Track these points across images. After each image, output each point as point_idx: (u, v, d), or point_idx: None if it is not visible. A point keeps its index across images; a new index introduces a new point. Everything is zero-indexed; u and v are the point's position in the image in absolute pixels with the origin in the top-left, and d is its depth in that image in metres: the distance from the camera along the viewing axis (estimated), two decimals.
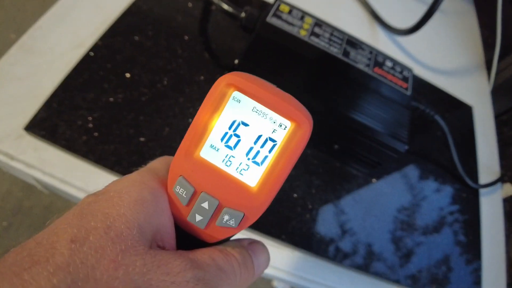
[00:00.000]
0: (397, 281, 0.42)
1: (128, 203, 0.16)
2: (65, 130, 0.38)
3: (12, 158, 0.38)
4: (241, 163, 0.18)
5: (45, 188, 0.44)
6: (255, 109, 0.18)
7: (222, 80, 0.17)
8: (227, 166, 0.18)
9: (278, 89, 0.18)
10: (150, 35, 0.46)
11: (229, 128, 0.18)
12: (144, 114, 0.41)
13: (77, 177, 0.38)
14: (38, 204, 1.02)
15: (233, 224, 0.18)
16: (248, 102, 0.18)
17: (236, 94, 0.18)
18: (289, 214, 0.41)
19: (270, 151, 0.18)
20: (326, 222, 0.42)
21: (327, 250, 0.40)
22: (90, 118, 0.40)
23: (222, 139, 0.18)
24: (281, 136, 0.18)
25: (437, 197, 0.50)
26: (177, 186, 0.18)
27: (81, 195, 0.38)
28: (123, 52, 0.44)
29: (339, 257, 0.41)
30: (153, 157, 0.39)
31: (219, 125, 0.18)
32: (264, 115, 0.18)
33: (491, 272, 0.49)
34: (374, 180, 0.47)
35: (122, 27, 0.46)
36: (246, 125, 0.18)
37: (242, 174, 0.18)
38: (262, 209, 0.18)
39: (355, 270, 0.41)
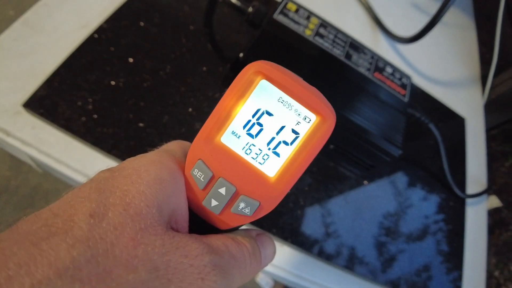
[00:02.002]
0: (383, 283, 0.43)
1: (147, 181, 0.16)
2: (65, 110, 0.38)
3: (8, 134, 0.38)
4: (261, 152, 0.18)
5: (40, 167, 0.43)
6: (281, 100, 0.17)
7: (251, 67, 0.17)
8: (247, 154, 0.18)
9: (305, 82, 0.18)
10: (156, 22, 0.46)
11: (253, 116, 0.18)
12: (145, 100, 0.41)
13: (74, 158, 0.38)
14: (26, 184, 1.01)
15: (248, 212, 0.18)
16: (274, 92, 0.17)
17: (264, 82, 0.17)
18: (281, 209, 0.41)
19: (291, 143, 0.18)
20: (316, 219, 0.42)
21: (315, 247, 0.41)
22: (90, 100, 0.40)
23: (244, 127, 0.18)
24: (304, 129, 0.18)
25: (425, 204, 0.51)
26: (195, 170, 0.18)
27: (76, 176, 0.38)
28: (128, 37, 0.44)
29: (325, 255, 0.41)
30: (151, 143, 0.40)
31: (243, 112, 0.18)
32: (290, 106, 0.17)
33: (471, 282, 0.50)
34: (365, 182, 0.48)
35: (128, 12, 0.46)
36: (270, 114, 0.18)
37: (261, 164, 0.18)
38: (278, 200, 0.18)
39: (341, 268, 0.42)
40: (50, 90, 0.39)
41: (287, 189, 0.18)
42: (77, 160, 0.38)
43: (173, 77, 0.43)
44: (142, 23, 0.46)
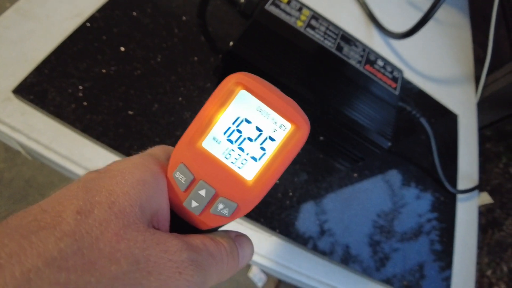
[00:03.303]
0: (370, 274, 0.43)
1: (131, 183, 0.17)
2: (55, 97, 0.38)
3: None
4: (240, 157, 0.19)
5: (29, 154, 0.43)
6: (259, 109, 0.19)
7: (232, 78, 0.18)
8: (227, 158, 0.19)
9: (282, 93, 0.19)
10: (148, 12, 0.46)
11: (233, 124, 0.19)
12: (135, 89, 0.41)
13: (63, 144, 0.38)
14: (19, 177, 1.00)
15: (226, 213, 0.19)
16: (253, 101, 0.19)
17: (243, 92, 0.19)
18: (269, 199, 0.41)
19: (268, 149, 0.19)
20: (305, 210, 0.43)
21: (303, 238, 0.41)
22: (80, 87, 0.40)
23: (224, 133, 0.19)
24: (280, 136, 0.19)
25: (415, 199, 0.51)
26: (177, 172, 0.19)
27: (65, 163, 0.38)
28: (120, 26, 0.44)
29: (313, 246, 0.41)
30: (140, 131, 0.40)
31: (223, 119, 0.19)
32: (267, 115, 0.19)
33: (461, 278, 0.50)
34: (355, 175, 0.48)
35: (121, 2, 0.46)
36: (249, 122, 0.19)
37: (240, 168, 0.19)
38: (255, 202, 0.20)
39: (329, 260, 0.42)
40: (40, 77, 0.39)
41: (263, 192, 0.19)
42: (66, 146, 0.38)
43: (164, 67, 0.43)
44: (134, 13, 0.46)
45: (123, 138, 0.39)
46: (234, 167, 0.19)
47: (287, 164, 0.19)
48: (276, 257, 0.41)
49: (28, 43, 0.42)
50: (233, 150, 0.19)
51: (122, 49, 0.43)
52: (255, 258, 0.40)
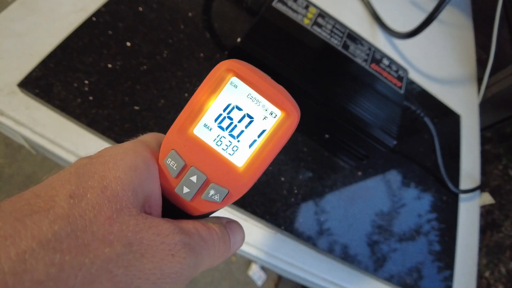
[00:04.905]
0: (373, 271, 0.43)
1: (123, 168, 0.17)
2: (60, 91, 0.38)
3: (1, 113, 0.37)
4: (231, 144, 0.19)
5: (33, 148, 0.43)
6: (250, 96, 0.19)
7: (223, 65, 0.19)
8: (218, 145, 0.19)
9: (272, 81, 0.19)
10: (154, 7, 0.46)
11: (224, 110, 0.19)
12: (141, 84, 0.41)
13: (68, 139, 0.38)
14: (19, 173, 1.00)
15: (217, 199, 0.20)
16: (244, 89, 0.19)
17: (234, 79, 0.19)
18: (275, 196, 0.41)
19: (259, 136, 0.19)
20: (309, 207, 0.43)
21: (308, 235, 0.41)
22: (86, 82, 0.39)
23: (215, 120, 0.19)
24: (270, 124, 0.19)
25: (418, 198, 0.51)
26: (169, 159, 0.19)
27: (70, 158, 0.38)
28: (126, 21, 0.44)
29: (317, 244, 0.41)
30: (146, 126, 0.40)
31: (214, 106, 0.19)
32: (258, 102, 0.19)
33: (463, 278, 0.51)
34: (359, 173, 0.48)
35: None
36: (239, 109, 0.19)
37: (230, 154, 0.19)
38: (246, 188, 0.20)
39: (333, 257, 0.42)
40: (46, 71, 0.39)
41: (254, 178, 0.20)
42: (71, 141, 0.38)
43: (170, 62, 0.43)
44: (140, 8, 0.46)
45: (128, 133, 0.38)
46: (225, 154, 0.19)
47: (277, 151, 0.19)
48: (280, 253, 0.41)
49: (34, 36, 0.41)
50: (224, 137, 0.19)
51: (128, 44, 0.43)
52: (259, 254, 0.40)
